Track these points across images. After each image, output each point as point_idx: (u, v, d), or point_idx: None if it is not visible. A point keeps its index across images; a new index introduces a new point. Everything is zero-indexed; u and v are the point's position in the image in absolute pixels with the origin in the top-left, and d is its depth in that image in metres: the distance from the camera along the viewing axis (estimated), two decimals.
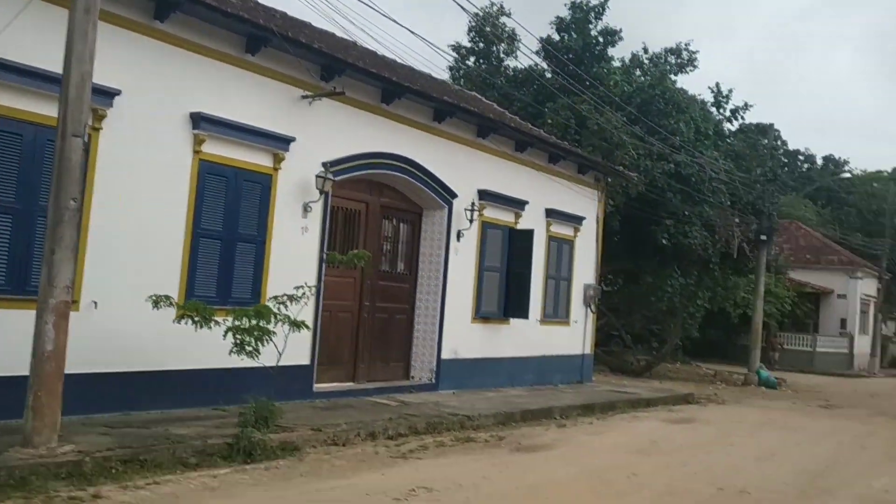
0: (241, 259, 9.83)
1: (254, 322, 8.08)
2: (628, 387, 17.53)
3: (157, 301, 7.87)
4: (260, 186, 10.05)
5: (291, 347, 9.90)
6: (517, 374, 15.03)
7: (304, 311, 9.93)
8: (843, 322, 36.85)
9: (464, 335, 13.65)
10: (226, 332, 8.11)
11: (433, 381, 13.04)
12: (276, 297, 8.74)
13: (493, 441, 9.78)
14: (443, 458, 8.49)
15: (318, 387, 11.11)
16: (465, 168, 13.55)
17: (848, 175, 56.54)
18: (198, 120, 9.16)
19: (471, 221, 13.39)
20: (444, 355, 13.23)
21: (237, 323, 8.08)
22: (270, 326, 8.41)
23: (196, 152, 9.25)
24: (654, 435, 11.46)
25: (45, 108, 7.68)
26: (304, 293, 8.78)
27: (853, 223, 47.87)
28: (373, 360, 12.42)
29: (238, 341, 8.11)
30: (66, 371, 7.08)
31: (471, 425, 10.68)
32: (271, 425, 8.32)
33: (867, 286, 37.80)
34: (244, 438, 7.61)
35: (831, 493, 8.40)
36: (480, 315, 14.00)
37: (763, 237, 24.01)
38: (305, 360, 10.73)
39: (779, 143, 47.65)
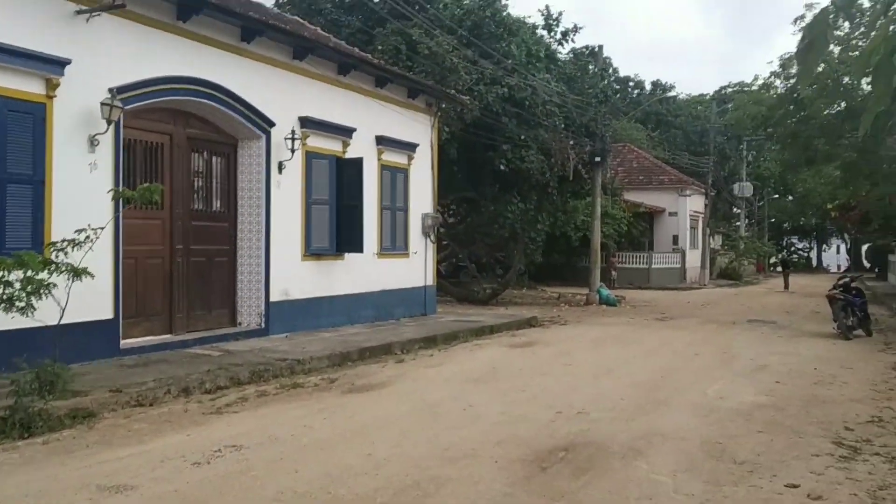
0: (13, 202, 8.44)
1: (19, 273, 6.85)
2: (473, 316, 17.27)
3: None
4: (31, 118, 8.62)
5: (86, 301, 8.80)
6: (356, 312, 14.35)
7: (98, 259, 8.80)
8: (676, 238, 38.61)
9: (294, 274, 12.75)
10: None
11: (262, 325, 12.11)
12: (53, 244, 7.51)
13: (323, 385, 9.06)
14: (263, 408, 7.69)
15: (126, 343, 9.95)
16: (283, 94, 12.45)
17: (674, 97, 58.91)
18: None
19: (292, 151, 12.37)
20: (274, 297, 12.30)
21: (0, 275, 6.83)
22: (46, 277, 7.21)
23: None
24: (495, 362, 11.12)
25: None
26: (87, 236, 7.61)
27: (680, 144, 50.02)
28: (192, 308, 11.33)
29: (5, 297, 6.88)
30: None
31: (301, 370, 9.91)
32: (58, 391, 7.22)
33: (695, 203, 39.65)
34: (19, 410, 6.48)
35: (667, 403, 8.28)
36: (311, 252, 13.12)
37: (598, 159, 24.30)
38: (107, 314, 9.54)
39: (609, 69, 48.78)
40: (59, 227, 8.76)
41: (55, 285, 7.29)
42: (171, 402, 7.87)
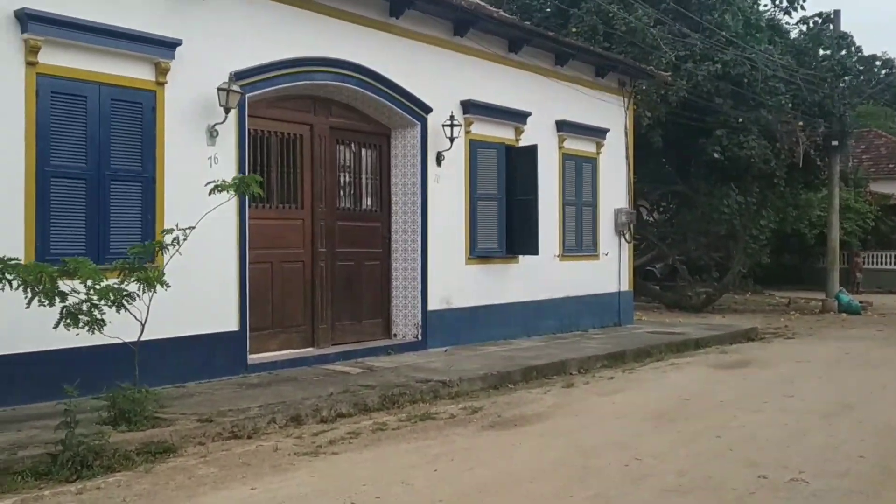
0: (119, 202, 7.56)
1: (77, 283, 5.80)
2: (678, 326, 14.87)
3: None
4: (139, 107, 7.73)
5: (206, 311, 7.86)
6: (533, 322, 12.56)
7: (220, 264, 7.86)
8: None
9: (457, 280, 11.22)
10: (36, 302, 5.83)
11: (419, 338, 10.69)
12: (136, 248, 6.45)
13: (461, 416, 7.40)
14: (369, 450, 6.15)
15: (255, 358, 8.89)
16: (440, 75, 10.98)
17: None
18: (26, 19, 6.85)
19: (451, 140, 10.83)
20: (433, 306, 10.84)
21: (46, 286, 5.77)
22: (125, 286, 6.17)
23: (30, 64, 6.95)
24: (690, 390, 8.88)
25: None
26: (175, 238, 6.49)
27: None
28: (338, 318, 10.12)
29: (66, 311, 5.86)
30: None
31: (446, 394, 8.33)
32: (135, 421, 6.12)
33: None
34: (70, 446, 5.40)
35: None
36: (477, 254, 11.52)
37: (835, 143, 20.73)
38: (231, 326, 8.50)
39: (851, 45, 42.96)
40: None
41: (134, 296, 6.21)
42: (272, 435, 6.57)
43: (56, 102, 7.13)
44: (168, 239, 6.53)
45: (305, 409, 7.14)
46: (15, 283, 5.67)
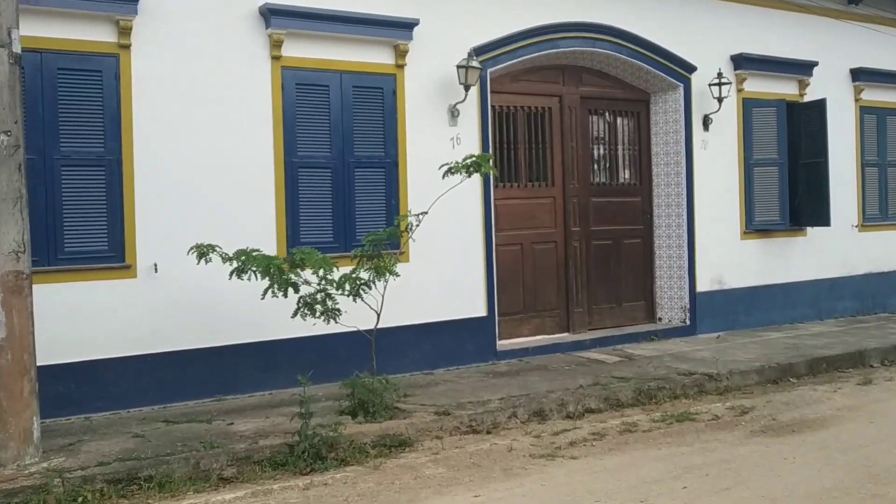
0: (364, 189, 7.56)
1: (292, 275, 5.75)
2: None
3: (203, 252, 5.82)
4: (380, 92, 7.66)
5: (454, 296, 7.71)
6: (827, 303, 10.98)
7: (466, 247, 7.67)
8: None
9: (730, 257, 10.05)
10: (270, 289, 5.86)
11: (687, 322, 9.72)
12: (370, 236, 6.32)
13: (727, 417, 6.46)
14: (614, 454, 5.51)
15: (506, 344, 8.57)
16: (702, 28, 9.83)
17: None
18: (269, 14, 7.00)
19: (719, 101, 9.65)
20: (702, 287, 9.81)
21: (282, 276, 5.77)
22: (362, 274, 6.08)
23: (275, 58, 7.11)
24: None
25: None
26: (412, 223, 6.28)
27: None
28: (595, 301, 9.48)
29: (302, 301, 5.87)
30: (127, 353, 6.31)
31: (713, 388, 7.41)
32: (375, 409, 6.03)
33: None
34: (305, 437, 5.39)
35: None
36: (754, 227, 10.23)
37: None
38: (479, 311, 8.23)
39: None
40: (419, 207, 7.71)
41: (367, 284, 6.10)
42: (511, 431, 6.16)
43: (300, 94, 7.24)
44: (404, 225, 6.32)
45: (550, 402, 6.64)
46: (258, 274, 5.77)
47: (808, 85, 10.65)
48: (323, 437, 5.45)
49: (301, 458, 5.35)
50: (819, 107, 10.38)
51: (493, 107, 8.65)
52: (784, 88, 10.51)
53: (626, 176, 9.85)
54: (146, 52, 6.55)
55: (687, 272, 9.67)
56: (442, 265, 7.93)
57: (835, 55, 10.97)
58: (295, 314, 5.87)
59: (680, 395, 7.23)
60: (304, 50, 7.23)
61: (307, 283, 5.85)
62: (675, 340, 9.36)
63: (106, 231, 6.43)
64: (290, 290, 5.68)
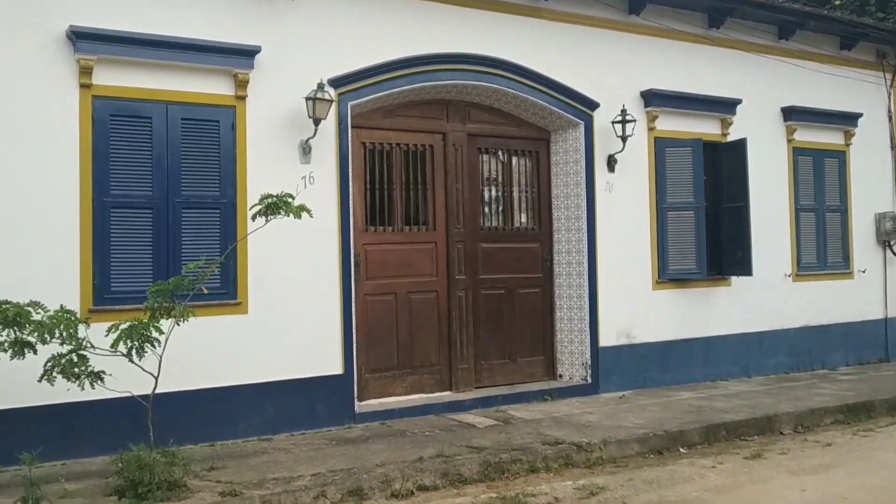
0: (193, 231, 6.79)
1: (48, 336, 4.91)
2: None
3: None
4: (215, 125, 6.93)
5: (304, 352, 6.90)
6: (755, 359, 10.11)
7: (321, 297, 6.85)
8: None
9: (642, 308, 9.20)
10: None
11: (588, 379, 8.84)
12: (157, 286, 5.51)
13: (570, 499, 5.56)
14: None
15: (371, 404, 7.74)
16: (609, 62, 9.11)
17: None
18: (76, 38, 6.30)
19: (623, 140, 8.88)
20: (608, 341, 8.94)
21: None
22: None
23: (84, 86, 6.38)
24: None
25: None
26: (198, 273, 5.47)
27: None
28: (484, 356, 8.63)
29: (50, 366, 5.02)
30: None
31: (581, 461, 6.52)
32: (148, 488, 5.17)
33: None
34: None
35: None
36: (668, 276, 9.38)
37: None
38: (335, 369, 7.39)
39: None
40: (257, 258, 6.95)
41: (148, 341, 5.27)
42: None
43: (116, 125, 6.51)
44: (188, 277, 5.49)
45: (373, 479, 5.76)
46: None
47: (730, 124, 9.89)
48: None
49: None
50: (739, 147, 9.62)
51: (363, 143, 7.93)
52: (703, 127, 9.74)
53: (523, 220, 9.06)
54: None
55: (588, 325, 8.82)
56: (289, 316, 7.13)
57: (763, 93, 10.23)
58: (41, 378, 5.02)
59: (540, 467, 6.34)
60: (121, 78, 6.52)
61: (49, 341, 4.98)
62: (570, 401, 8.47)
63: None
64: (29, 350, 4.85)
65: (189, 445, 6.55)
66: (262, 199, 5.58)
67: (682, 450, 7.03)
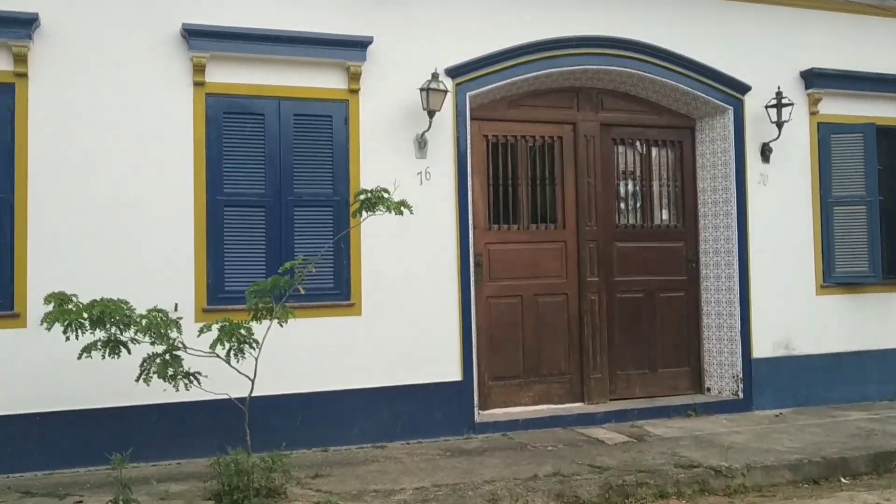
0: (308, 231, 6.59)
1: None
2: None
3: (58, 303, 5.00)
4: (328, 121, 6.72)
5: (420, 358, 6.61)
6: None
7: (443, 301, 6.50)
8: None
9: (803, 316, 8.18)
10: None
11: (740, 394, 7.94)
12: (256, 285, 5.32)
13: None
14: None
15: (493, 414, 7.29)
16: (762, 40, 8.17)
17: None
18: (189, 36, 6.27)
19: (779, 126, 7.93)
20: (762, 352, 8.01)
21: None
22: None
23: (197, 84, 6.34)
24: None
25: None
26: (297, 270, 5.23)
27: None
28: (621, 366, 7.94)
29: (147, 366, 4.91)
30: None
31: (720, 488, 5.76)
32: (244, 494, 4.97)
33: None
34: None
35: None
36: (835, 280, 8.29)
37: None
38: (453, 375, 6.98)
39: None
40: (371, 257, 6.70)
41: (248, 343, 5.09)
42: None
43: (229, 123, 6.43)
44: (297, 269, 5.26)
45: (478, 496, 5.29)
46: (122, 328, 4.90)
47: None
48: None
49: None
50: None
51: (485, 136, 7.50)
52: (877, 110, 8.56)
53: (665, 217, 8.28)
54: (43, 78, 5.97)
55: (740, 333, 7.93)
56: (404, 319, 6.80)
57: None
58: (138, 377, 4.93)
59: (670, 493, 5.64)
60: (234, 74, 6.44)
61: (139, 342, 4.87)
62: (717, 417, 7.63)
63: None
64: (123, 349, 4.76)
65: (302, 450, 6.38)
66: (356, 196, 5.26)
67: (843, 480, 6.08)
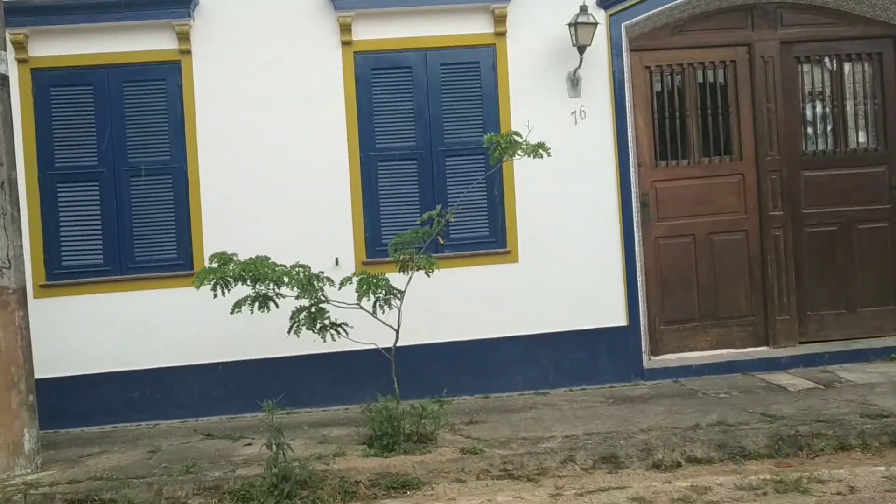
0: (460, 181, 6.57)
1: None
2: None
3: (219, 262, 5.41)
4: (475, 67, 6.65)
5: (582, 302, 6.53)
6: None
7: (604, 244, 6.36)
8: None
9: None
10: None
11: None
12: (400, 237, 5.42)
13: (871, 491, 4.35)
14: None
15: (665, 360, 7.01)
16: None
17: None
18: None
19: None
20: None
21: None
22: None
23: (345, 43, 6.49)
24: None
25: None
26: (441, 220, 5.27)
27: None
28: (812, 306, 7.26)
29: (298, 318, 5.17)
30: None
31: None
32: (395, 440, 5.16)
33: None
34: (274, 471, 4.75)
35: None
36: None
37: None
38: (618, 320, 6.75)
39: None
40: (525, 210, 6.62)
41: (392, 294, 5.24)
42: (552, 480, 4.83)
43: (377, 80, 6.54)
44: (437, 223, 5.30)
45: (630, 446, 5.09)
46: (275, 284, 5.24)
47: None
48: (295, 471, 4.75)
49: (269, 494, 4.72)
50: None
51: (647, 68, 7.07)
52: None
53: (861, 140, 7.38)
54: (204, 54, 6.39)
55: None
56: (563, 265, 6.65)
57: None
58: (290, 329, 5.21)
59: (854, 445, 5.12)
60: (379, 31, 6.52)
61: (283, 295, 5.12)
62: None
63: (175, 240, 6.41)
64: (272, 303, 5.05)
65: (464, 396, 6.49)
66: (488, 142, 5.16)
67: None
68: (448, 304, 6.48)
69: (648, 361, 6.83)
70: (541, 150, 5.19)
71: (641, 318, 6.75)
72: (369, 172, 6.52)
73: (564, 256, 6.65)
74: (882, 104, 7.32)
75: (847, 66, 7.33)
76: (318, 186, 6.47)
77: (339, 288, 5.20)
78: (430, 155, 6.57)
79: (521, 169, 6.49)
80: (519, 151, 5.10)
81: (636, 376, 6.70)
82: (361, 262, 6.45)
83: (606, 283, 6.69)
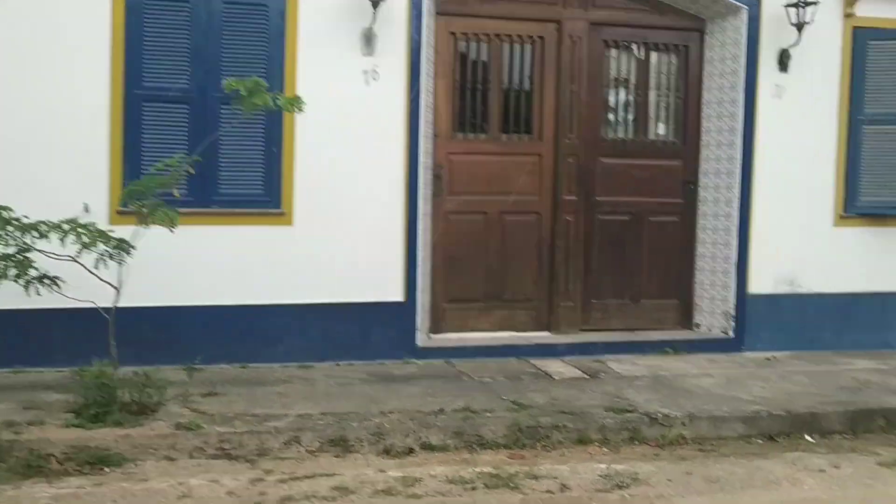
0: (237, 133, 6.01)
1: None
2: None
3: None
4: (263, 10, 6.11)
5: (359, 275, 6.22)
6: None
7: (386, 215, 6.00)
8: None
9: (816, 249, 7.23)
10: None
11: (730, 333, 7.13)
12: (132, 186, 4.90)
13: (581, 491, 4.24)
14: None
15: (440, 338, 6.79)
16: None
17: None
18: None
19: (799, 29, 6.81)
20: (761, 287, 7.15)
21: None
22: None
23: None
24: None
25: None
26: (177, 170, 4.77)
27: None
28: (598, 294, 7.21)
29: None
30: None
31: (655, 437, 5.15)
32: (109, 409, 4.68)
33: None
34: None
35: None
36: (858, 210, 7.26)
37: None
38: (394, 296, 6.45)
39: None
40: (303, 172, 6.18)
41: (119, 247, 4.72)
42: (266, 462, 4.50)
43: (149, 10, 5.91)
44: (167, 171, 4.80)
45: (362, 430, 4.82)
46: None
47: None
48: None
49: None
50: None
51: (452, 34, 6.75)
52: None
53: (661, 132, 7.36)
54: None
55: (735, 265, 7.06)
56: (341, 233, 6.28)
57: None
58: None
59: (593, 440, 5.04)
60: None
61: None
62: (698, 357, 6.88)
63: None
64: None
65: (222, 365, 6.06)
66: (228, 87, 4.70)
67: (808, 438, 5.32)
68: (212, 265, 6.02)
69: (427, 340, 6.60)
70: (294, 105, 4.77)
71: (419, 295, 6.48)
72: (133, 113, 5.91)
73: (344, 225, 6.28)
74: (685, 98, 7.31)
75: (654, 56, 7.26)
76: (72, 124, 5.80)
77: (62, 240, 4.62)
78: (203, 100, 6.02)
79: (306, 128, 6.07)
80: (258, 102, 4.64)
81: (409, 354, 6.44)
82: (116, 211, 5.86)
83: (385, 257, 6.38)
